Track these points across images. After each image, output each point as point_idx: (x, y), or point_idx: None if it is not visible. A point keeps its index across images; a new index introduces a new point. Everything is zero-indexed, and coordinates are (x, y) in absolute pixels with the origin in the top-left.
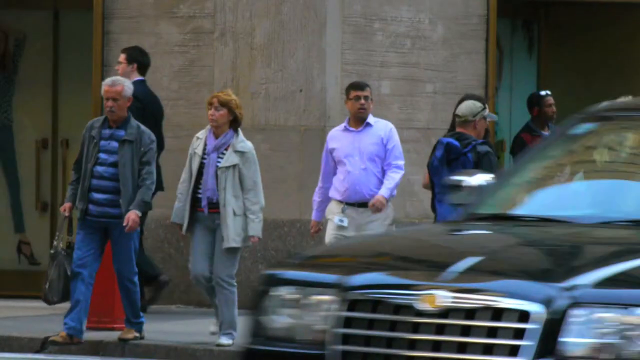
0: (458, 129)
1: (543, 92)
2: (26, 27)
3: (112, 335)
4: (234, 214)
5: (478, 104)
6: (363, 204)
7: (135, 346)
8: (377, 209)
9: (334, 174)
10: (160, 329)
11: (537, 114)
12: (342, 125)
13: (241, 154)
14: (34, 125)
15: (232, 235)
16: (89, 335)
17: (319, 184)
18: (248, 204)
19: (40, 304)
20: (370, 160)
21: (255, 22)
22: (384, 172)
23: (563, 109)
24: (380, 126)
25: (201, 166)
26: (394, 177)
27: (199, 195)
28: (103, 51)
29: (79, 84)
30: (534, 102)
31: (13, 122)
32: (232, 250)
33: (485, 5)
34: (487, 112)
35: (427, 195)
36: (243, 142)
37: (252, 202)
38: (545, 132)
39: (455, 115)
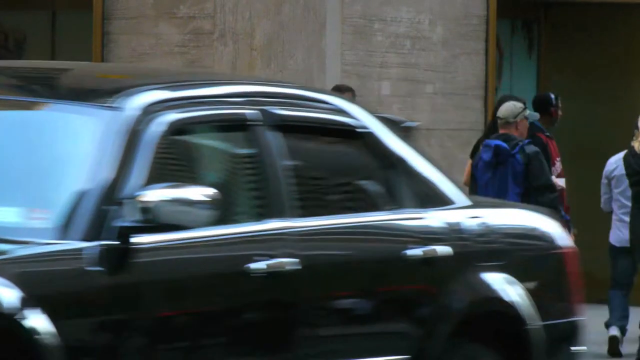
0: (501, 131)
1: (553, 95)
2: (26, 27)
3: None
4: None
5: (518, 105)
6: None
7: None
8: None
9: None
10: None
11: (554, 115)
12: None
13: None
14: None
15: None
16: None
17: None
18: None
19: None
20: None
21: (255, 23)
22: None
23: (563, 110)
24: None
25: None
26: None
27: None
28: (103, 52)
29: None
30: (549, 104)
31: None
32: None
33: (485, 6)
34: (527, 112)
35: None
36: None
37: None
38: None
39: (496, 117)
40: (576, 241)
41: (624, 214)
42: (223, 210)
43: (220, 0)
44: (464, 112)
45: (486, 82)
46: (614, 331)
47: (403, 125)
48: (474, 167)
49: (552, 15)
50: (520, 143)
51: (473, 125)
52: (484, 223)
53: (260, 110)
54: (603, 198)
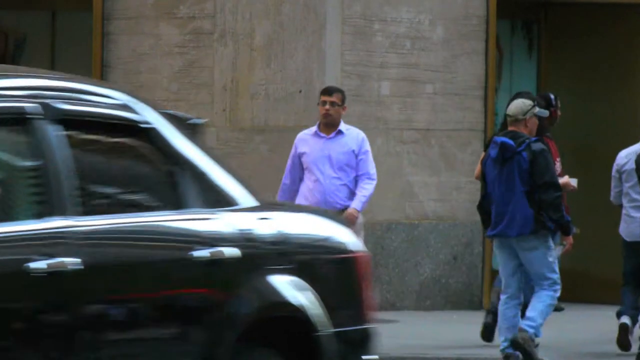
0: (510, 128)
1: (552, 95)
2: (26, 27)
3: None
4: None
5: (527, 102)
6: None
7: None
8: (350, 222)
9: (301, 180)
10: None
11: (554, 115)
12: (313, 129)
13: None
14: None
15: None
16: None
17: (282, 193)
18: None
19: None
20: (341, 170)
21: (255, 23)
22: (355, 182)
23: (563, 110)
24: (352, 135)
25: None
26: (367, 189)
27: None
28: (102, 52)
29: None
30: (549, 104)
31: None
32: None
33: (485, 6)
34: (537, 109)
35: (427, 196)
36: None
37: None
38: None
39: (505, 115)
40: (576, 241)
41: (633, 207)
42: (1, 207)
43: (221, 0)
44: (464, 112)
45: (486, 82)
46: (625, 319)
47: (189, 122)
48: (483, 163)
49: (552, 16)
50: (527, 140)
51: (473, 125)
52: (273, 225)
53: (41, 104)
54: (613, 192)
